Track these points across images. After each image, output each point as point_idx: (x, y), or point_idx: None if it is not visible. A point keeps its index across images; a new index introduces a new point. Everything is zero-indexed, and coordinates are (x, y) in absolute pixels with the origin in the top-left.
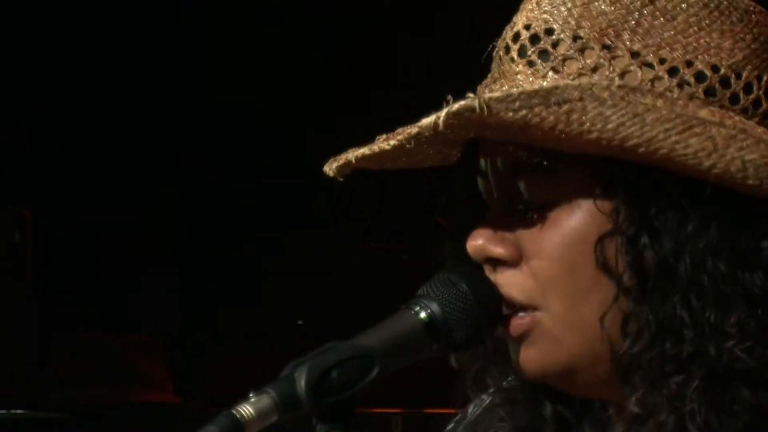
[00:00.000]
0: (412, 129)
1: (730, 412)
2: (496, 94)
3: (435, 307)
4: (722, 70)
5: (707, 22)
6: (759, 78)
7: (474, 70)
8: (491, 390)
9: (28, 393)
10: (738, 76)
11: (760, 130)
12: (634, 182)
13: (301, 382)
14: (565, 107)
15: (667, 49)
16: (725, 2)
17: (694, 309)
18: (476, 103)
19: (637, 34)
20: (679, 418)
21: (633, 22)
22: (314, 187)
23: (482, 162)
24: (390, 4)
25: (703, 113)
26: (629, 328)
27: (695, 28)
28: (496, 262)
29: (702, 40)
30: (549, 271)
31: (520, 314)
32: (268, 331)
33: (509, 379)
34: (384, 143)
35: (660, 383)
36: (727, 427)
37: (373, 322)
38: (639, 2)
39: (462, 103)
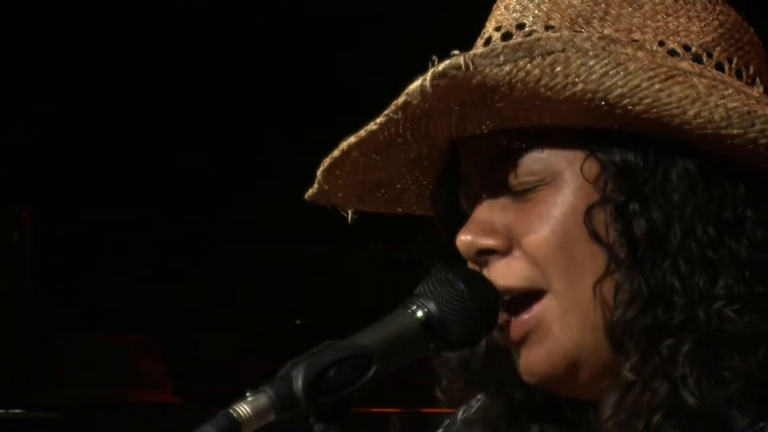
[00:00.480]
0: (399, 99)
1: (720, 378)
2: (480, 50)
3: (432, 306)
4: (694, 49)
5: (674, 9)
6: (729, 60)
7: None
8: (479, 396)
9: (28, 393)
10: (709, 55)
11: (738, 83)
12: (619, 150)
13: (299, 382)
14: (549, 59)
15: (638, 32)
16: None
17: (684, 275)
18: (461, 60)
19: (607, 21)
20: (672, 384)
21: (601, 12)
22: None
23: (463, 166)
24: (390, 4)
25: (684, 65)
26: (622, 296)
27: (663, 14)
28: (488, 255)
29: (671, 24)
30: (543, 249)
31: (521, 316)
32: (267, 331)
33: (487, 405)
34: (371, 125)
35: (652, 349)
36: (718, 394)
37: (372, 321)
38: None
39: (446, 62)
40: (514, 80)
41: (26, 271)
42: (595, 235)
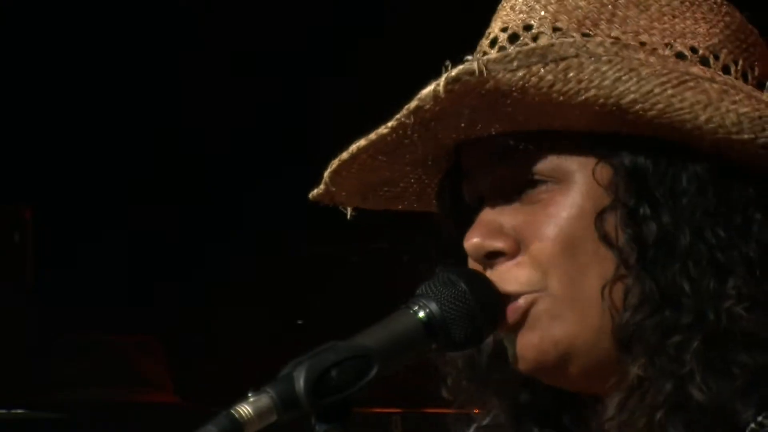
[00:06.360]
0: (411, 103)
1: (727, 373)
2: (494, 55)
3: (434, 306)
4: (701, 51)
5: (680, 10)
6: (735, 62)
7: None
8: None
9: (28, 393)
10: (716, 57)
11: (748, 87)
12: (629, 154)
13: (300, 382)
14: (562, 64)
15: (646, 34)
16: None
17: (693, 278)
18: (475, 66)
19: (614, 23)
20: (677, 381)
21: (608, 14)
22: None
23: (466, 162)
24: (390, 6)
25: (695, 70)
26: (631, 299)
27: (669, 16)
28: (495, 257)
29: (677, 26)
30: (549, 251)
31: (517, 301)
32: (267, 331)
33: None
34: (382, 129)
35: (660, 350)
36: (724, 389)
37: (373, 322)
38: None
39: (460, 67)
40: (527, 85)
41: (26, 271)
42: (605, 239)
